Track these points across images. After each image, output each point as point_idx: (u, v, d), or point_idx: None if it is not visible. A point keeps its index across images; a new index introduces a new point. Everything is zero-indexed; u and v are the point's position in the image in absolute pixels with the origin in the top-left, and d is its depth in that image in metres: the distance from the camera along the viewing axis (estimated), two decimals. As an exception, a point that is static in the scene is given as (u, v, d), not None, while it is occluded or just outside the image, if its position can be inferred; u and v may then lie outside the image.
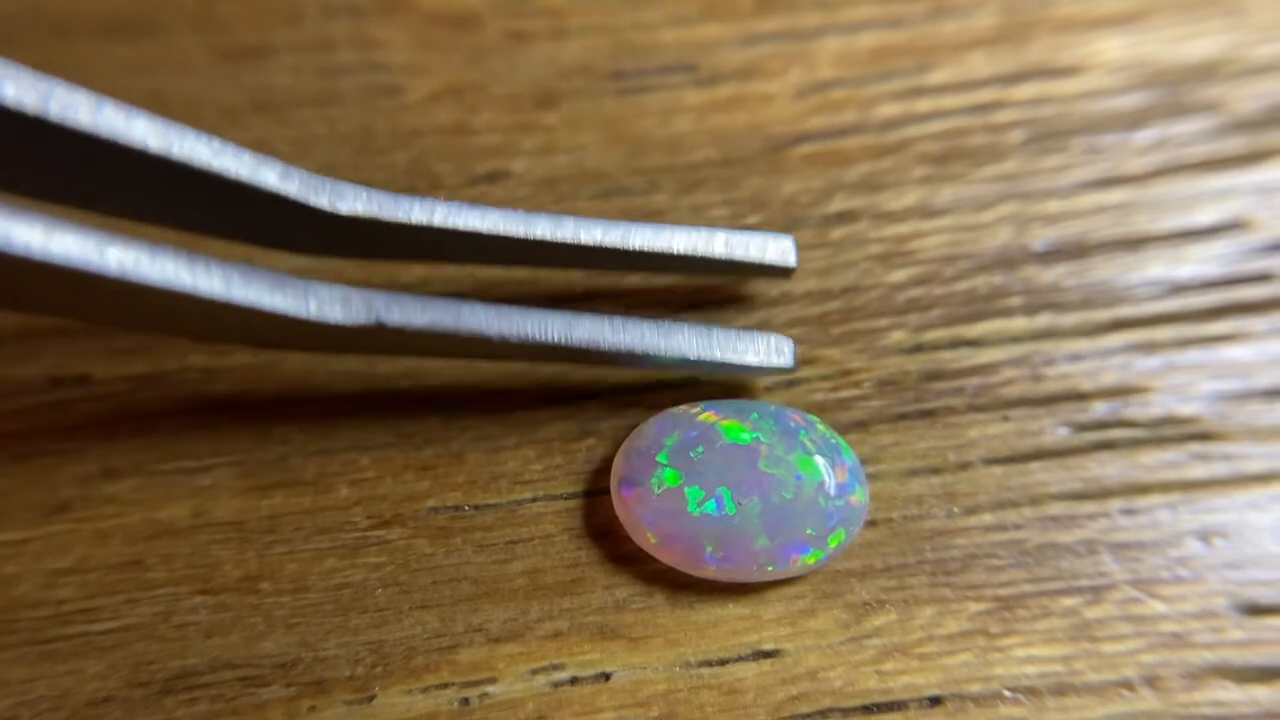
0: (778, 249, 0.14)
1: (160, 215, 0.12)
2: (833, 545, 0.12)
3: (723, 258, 0.14)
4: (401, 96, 0.16)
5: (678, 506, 0.12)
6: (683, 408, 0.13)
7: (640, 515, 0.12)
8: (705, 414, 0.13)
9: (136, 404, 0.14)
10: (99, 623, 0.13)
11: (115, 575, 0.13)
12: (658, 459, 0.13)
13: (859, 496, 0.13)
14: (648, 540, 0.12)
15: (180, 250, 0.11)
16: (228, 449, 0.14)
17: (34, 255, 0.10)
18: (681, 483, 0.12)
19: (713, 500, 0.12)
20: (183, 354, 0.14)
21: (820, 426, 0.13)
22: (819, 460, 0.12)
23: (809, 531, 0.12)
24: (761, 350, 0.13)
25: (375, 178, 0.15)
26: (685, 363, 0.13)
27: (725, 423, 0.13)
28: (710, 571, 0.12)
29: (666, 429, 0.13)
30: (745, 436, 0.13)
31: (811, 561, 0.12)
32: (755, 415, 0.13)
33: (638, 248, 0.13)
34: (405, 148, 0.16)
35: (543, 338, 0.13)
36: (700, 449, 0.13)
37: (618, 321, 0.13)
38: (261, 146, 0.16)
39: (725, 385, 0.14)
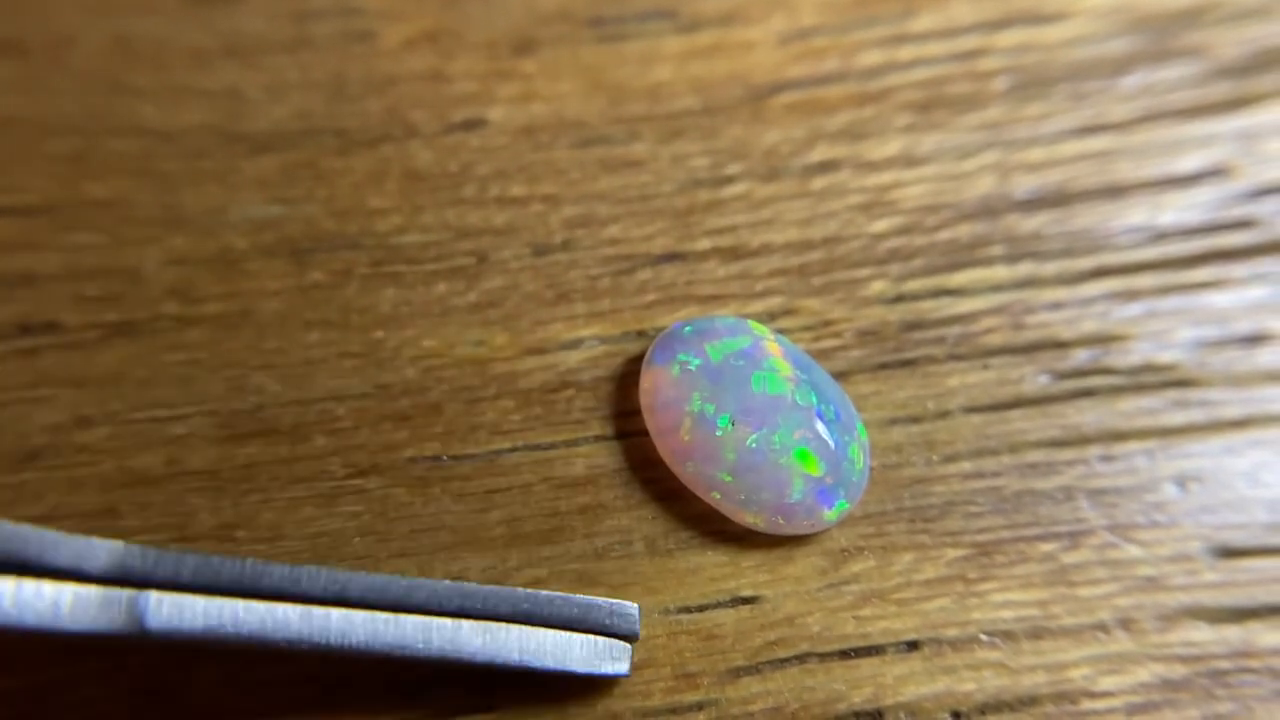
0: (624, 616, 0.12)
1: None
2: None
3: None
4: (376, 42, 0.16)
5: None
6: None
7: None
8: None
9: (108, 352, 0.14)
10: None
11: (89, 524, 0.13)
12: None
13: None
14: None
15: None
16: (202, 398, 0.13)
17: None
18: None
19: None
20: (155, 301, 0.14)
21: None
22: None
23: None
24: (593, 654, 0.12)
25: (349, 125, 0.15)
26: (506, 667, 0.11)
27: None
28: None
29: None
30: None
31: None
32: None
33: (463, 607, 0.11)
34: (380, 95, 0.15)
35: (343, 643, 0.11)
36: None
37: (430, 624, 0.11)
38: (232, 93, 0.15)
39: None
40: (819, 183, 0.15)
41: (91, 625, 0.10)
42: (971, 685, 0.12)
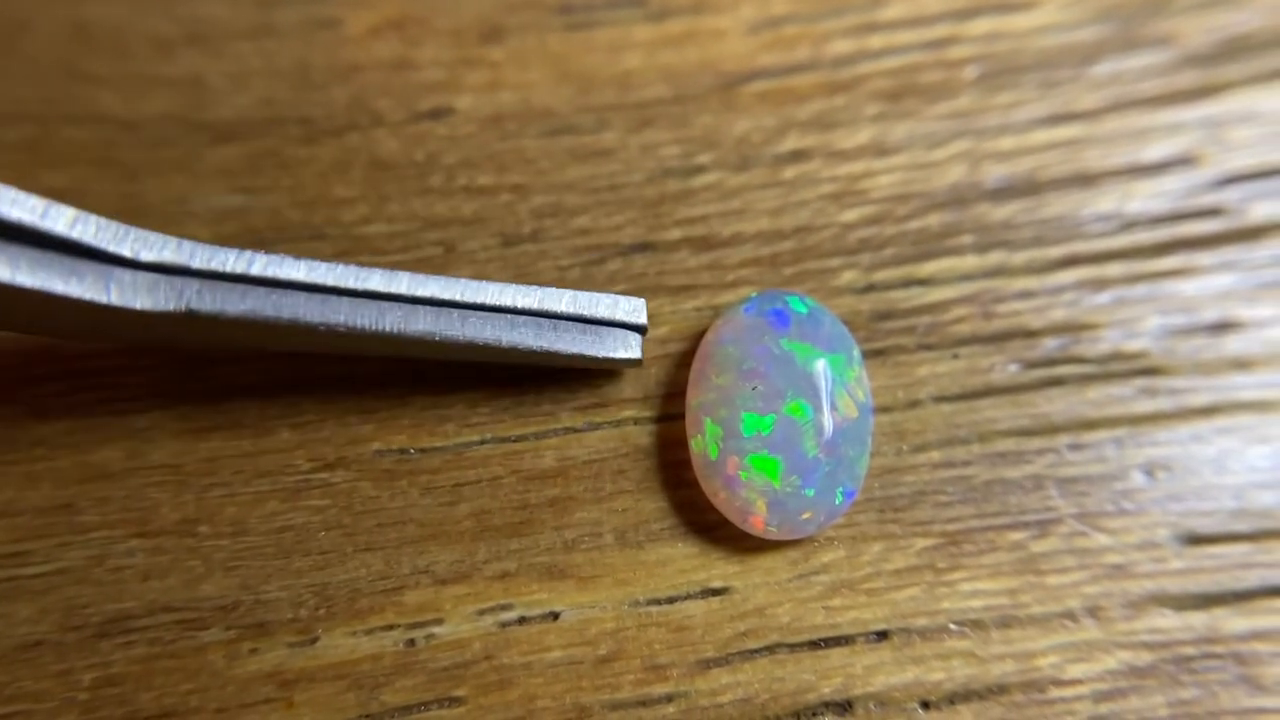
0: (629, 308, 0.13)
1: None
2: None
3: (570, 313, 0.13)
4: (340, 29, 0.15)
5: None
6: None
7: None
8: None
9: (66, 342, 0.13)
10: (29, 566, 0.12)
11: (45, 519, 0.12)
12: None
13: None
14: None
15: None
16: (164, 390, 0.13)
17: None
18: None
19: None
20: (115, 295, 0.14)
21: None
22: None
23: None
24: (609, 344, 0.13)
25: (314, 114, 0.15)
26: (531, 355, 0.12)
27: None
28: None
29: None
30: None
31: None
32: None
33: (478, 301, 0.12)
34: (345, 83, 0.15)
35: (374, 328, 0.12)
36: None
37: (456, 314, 0.12)
38: (194, 80, 0.15)
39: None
40: (790, 172, 0.15)
41: (141, 305, 0.11)
42: (941, 674, 0.12)
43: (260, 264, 0.11)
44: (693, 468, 0.13)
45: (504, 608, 0.12)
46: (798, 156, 0.15)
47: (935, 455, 0.13)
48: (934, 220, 0.14)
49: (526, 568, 0.12)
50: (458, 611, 0.12)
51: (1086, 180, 0.14)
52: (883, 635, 0.12)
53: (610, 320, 0.13)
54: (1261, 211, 0.14)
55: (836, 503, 0.12)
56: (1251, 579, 0.12)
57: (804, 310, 0.13)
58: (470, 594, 0.12)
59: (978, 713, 0.12)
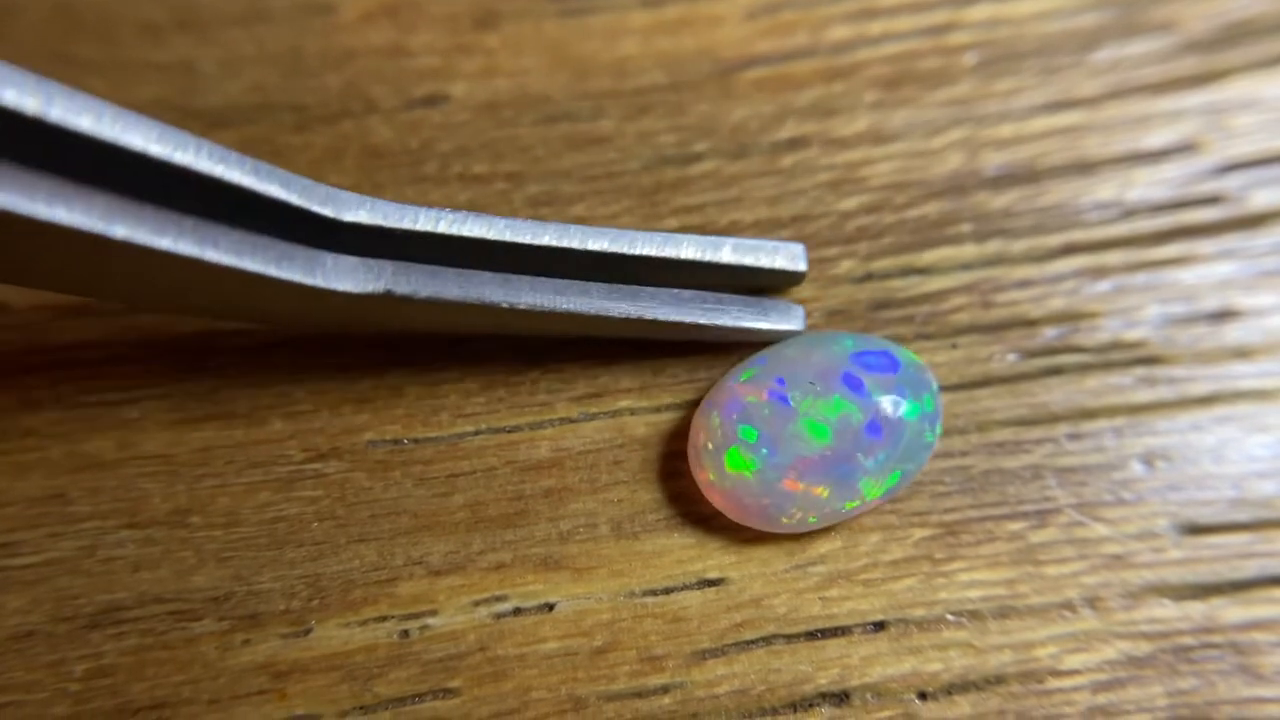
0: (788, 255, 0.13)
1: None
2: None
3: (732, 263, 0.13)
4: (333, 15, 0.15)
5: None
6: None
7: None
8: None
9: (57, 333, 0.13)
10: (20, 557, 0.12)
11: (36, 509, 0.12)
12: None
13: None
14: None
15: (187, 220, 0.10)
16: (155, 380, 0.13)
17: (41, 217, 0.09)
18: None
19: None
20: (105, 283, 0.14)
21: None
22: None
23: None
24: (772, 316, 0.13)
25: (307, 101, 0.15)
26: (698, 329, 0.13)
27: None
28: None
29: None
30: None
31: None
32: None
33: (644, 254, 0.13)
34: (338, 70, 0.15)
35: (553, 307, 0.12)
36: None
37: (627, 290, 0.13)
38: (185, 67, 0.15)
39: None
40: (787, 160, 0.15)
41: (343, 288, 0.11)
42: (938, 665, 0.12)
43: (446, 222, 0.12)
44: (689, 459, 0.13)
45: (499, 599, 0.12)
46: (795, 144, 0.15)
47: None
48: (932, 208, 0.14)
49: (521, 559, 0.12)
50: (452, 603, 0.12)
51: (1086, 168, 0.14)
52: (880, 626, 0.12)
53: (770, 269, 0.13)
54: (1262, 199, 0.14)
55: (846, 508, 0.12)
56: (1250, 568, 0.12)
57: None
58: (465, 585, 0.12)
59: (975, 703, 0.12)
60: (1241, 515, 0.12)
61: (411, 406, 0.13)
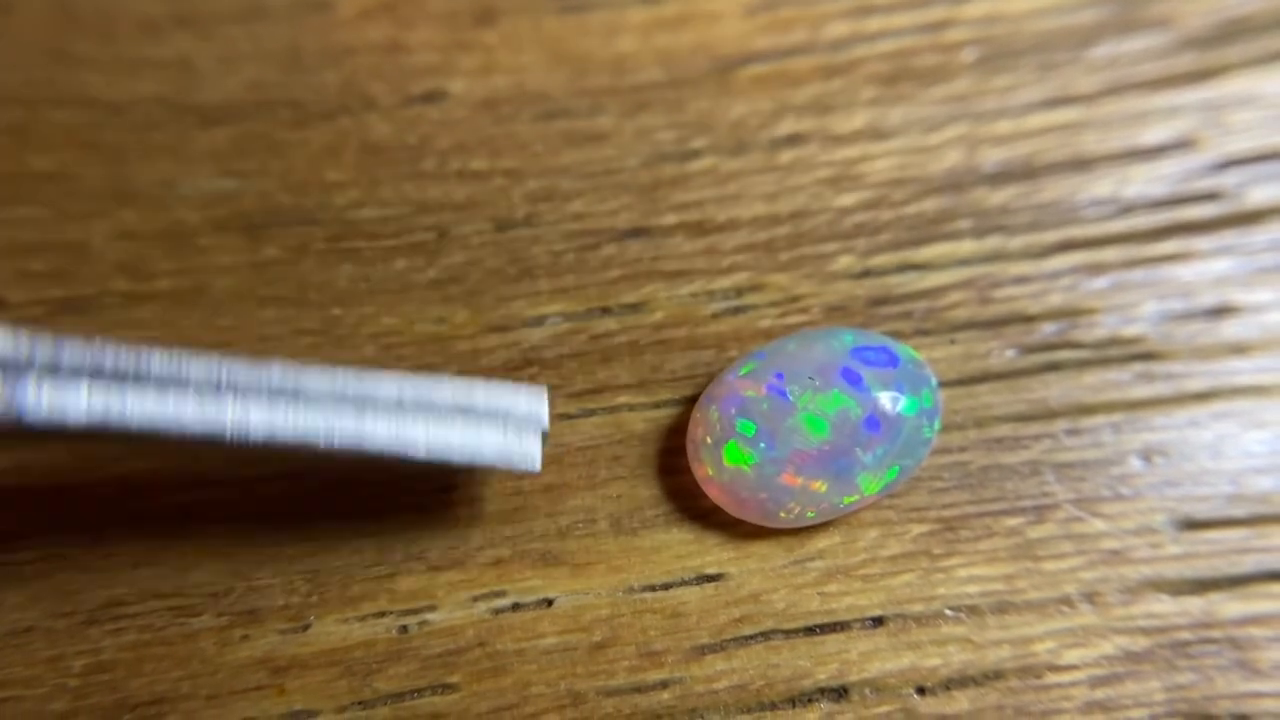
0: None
1: None
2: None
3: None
4: (332, 12, 0.15)
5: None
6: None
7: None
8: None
9: (53, 329, 0.13)
10: (20, 552, 0.12)
11: (37, 505, 0.12)
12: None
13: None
14: None
15: None
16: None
17: None
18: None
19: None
20: (103, 277, 0.14)
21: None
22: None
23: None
24: (503, 445, 0.11)
25: (305, 97, 0.15)
26: (413, 461, 0.11)
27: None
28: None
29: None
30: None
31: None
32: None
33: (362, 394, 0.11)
34: (336, 67, 0.15)
35: (241, 436, 0.10)
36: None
37: (336, 417, 0.10)
38: (183, 63, 0.15)
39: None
40: (786, 156, 0.15)
41: None
42: (937, 660, 0.12)
43: (112, 358, 0.10)
44: (688, 453, 0.13)
45: (498, 594, 0.12)
46: (794, 141, 0.15)
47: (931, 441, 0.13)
48: (931, 205, 0.14)
49: (520, 554, 0.12)
50: (451, 598, 0.12)
51: (1084, 164, 0.14)
52: (878, 621, 0.12)
53: (508, 414, 0.11)
54: (1260, 195, 0.14)
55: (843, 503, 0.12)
56: (1247, 564, 0.12)
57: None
58: (464, 580, 0.12)
59: (974, 698, 0.12)
60: (1238, 510, 0.13)
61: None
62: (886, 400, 0.12)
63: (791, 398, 0.12)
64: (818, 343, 0.13)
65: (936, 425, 0.12)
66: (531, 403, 0.11)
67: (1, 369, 0.10)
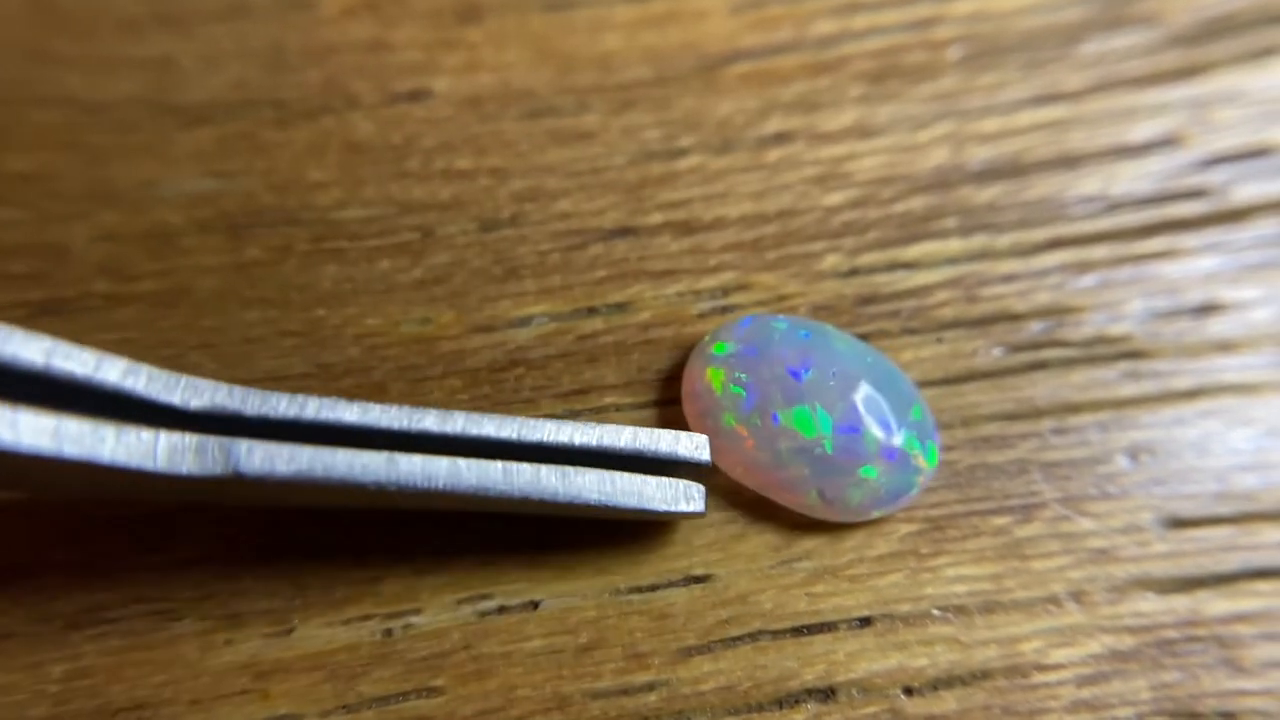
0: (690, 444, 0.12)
1: None
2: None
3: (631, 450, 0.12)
4: (315, 10, 0.15)
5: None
6: None
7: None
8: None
9: (34, 331, 0.13)
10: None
11: (15, 510, 0.12)
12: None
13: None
14: None
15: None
16: (134, 379, 0.13)
17: None
18: None
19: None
20: (84, 279, 0.13)
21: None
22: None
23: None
24: (670, 494, 0.12)
25: (288, 96, 0.14)
26: (587, 507, 0.12)
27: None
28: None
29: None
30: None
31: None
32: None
33: (535, 440, 0.12)
34: (319, 65, 0.15)
35: (421, 486, 0.11)
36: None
37: (512, 468, 0.11)
38: (165, 62, 0.15)
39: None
40: (773, 155, 0.14)
41: (188, 469, 0.10)
42: (924, 660, 0.12)
43: (313, 407, 0.11)
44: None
45: (483, 597, 0.12)
46: (781, 139, 0.15)
47: (919, 440, 0.13)
48: (918, 203, 0.14)
49: (506, 557, 0.12)
50: (436, 601, 0.12)
51: (1070, 162, 0.14)
52: (866, 622, 0.12)
53: (671, 458, 0.12)
54: (1246, 193, 0.14)
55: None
56: (1233, 562, 0.12)
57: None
58: (449, 583, 0.12)
59: (961, 698, 0.12)
60: (1225, 509, 0.13)
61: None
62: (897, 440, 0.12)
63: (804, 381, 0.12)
64: (843, 345, 0.13)
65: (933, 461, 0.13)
66: (693, 448, 0.12)
67: (212, 423, 0.11)
